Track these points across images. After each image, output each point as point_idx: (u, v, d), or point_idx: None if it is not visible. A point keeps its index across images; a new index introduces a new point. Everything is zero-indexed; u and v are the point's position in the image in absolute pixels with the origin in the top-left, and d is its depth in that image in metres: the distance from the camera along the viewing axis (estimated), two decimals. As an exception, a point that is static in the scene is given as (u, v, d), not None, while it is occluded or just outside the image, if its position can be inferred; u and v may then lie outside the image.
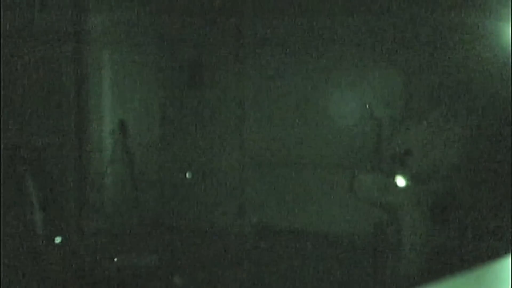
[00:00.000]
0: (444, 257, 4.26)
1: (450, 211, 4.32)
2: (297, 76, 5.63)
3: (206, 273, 4.68)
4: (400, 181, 4.30)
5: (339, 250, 5.17)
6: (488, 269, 1.47)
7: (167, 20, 6.18)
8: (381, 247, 4.48)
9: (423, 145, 4.32)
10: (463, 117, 4.46)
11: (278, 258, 5.11)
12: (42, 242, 4.45)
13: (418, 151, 4.33)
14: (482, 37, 4.55)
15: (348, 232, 5.23)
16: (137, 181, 5.66)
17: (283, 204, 5.75)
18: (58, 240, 4.64)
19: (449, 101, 4.61)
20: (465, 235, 4.36)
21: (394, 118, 4.62)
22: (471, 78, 4.66)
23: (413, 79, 4.50)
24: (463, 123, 4.38)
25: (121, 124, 5.55)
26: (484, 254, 3.92)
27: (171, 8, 6.13)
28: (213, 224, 5.99)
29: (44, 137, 5.04)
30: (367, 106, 5.23)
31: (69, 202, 5.23)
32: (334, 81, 5.41)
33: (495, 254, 1.56)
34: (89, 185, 5.46)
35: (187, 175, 6.19)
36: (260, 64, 5.86)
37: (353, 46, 5.30)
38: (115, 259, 4.83)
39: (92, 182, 5.49)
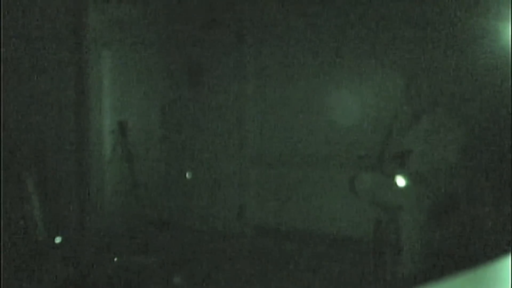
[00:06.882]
0: (444, 257, 4.26)
1: (450, 211, 4.32)
2: (298, 76, 5.63)
3: (206, 273, 4.68)
4: (400, 181, 4.29)
5: (339, 250, 5.17)
6: (488, 269, 1.46)
7: (167, 19, 6.18)
8: (381, 247, 4.47)
9: (423, 145, 4.32)
10: (463, 117, 4.46)
11: (278, 258, 5.12)
12: (42, 242, 4.45)
13: (418, 151, 4.33)
14: (482, 37, 4.54)
15: (348, 232, 5.23)
16: (137, 181, 5.66)
17: (283, 204, 5.75)
18: (58, 240, 4.64)
19: (449, 101, 4.61)
20: (465, 235, 4.36)
21: (394, 118, 4.62)
22: (471, 78, 4.66)
23: (413, 79, 4.49)
24: (463, 123, 4.38)
25: (121, 124, 5.55)
26: (484, 254, 3.91)
27: (171, 7, 6.13)
28: (213, 224, 5.99)
29: (44, 137, 5.04)
30: (367, 106, 5.23)
31: (69, 202, 5.23)
32: (335, 81, 5.41)
33: (495, 254, 1.55)
34: (89, 185, 5.46)
35: (187, 175, 6.19)
36: (260, 64, 5.86)
37: (353, 47, 5.30)
38: (115, 259, 4.83)
39: (92, 182, 5.49)
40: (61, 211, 5.01)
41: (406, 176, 4.29)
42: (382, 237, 4.46)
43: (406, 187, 4.28)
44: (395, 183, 4.31)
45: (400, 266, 4.16)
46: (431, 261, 4.12)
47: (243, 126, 5.98)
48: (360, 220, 5.07)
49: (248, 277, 4.62)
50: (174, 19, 6.16)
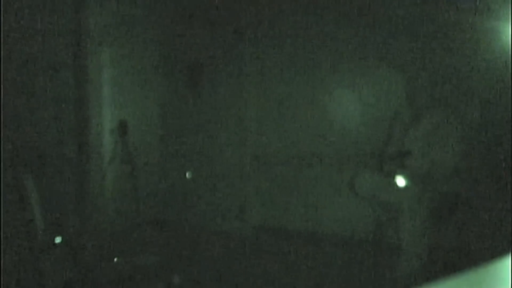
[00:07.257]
0: (444, 257, 4.26)
1: (450, 211, 4.33)
2: (298, 76, 5.63)
3: (206, 273, 4.68)
4: (400, 181, 4.29)
5: (339, 250, 5.17)
6: (488, 269, 1.46)
7: (167, 19, 6.18)
8: (381, 247, 4.48)
9: (423, 145, 4.32)
10: (463, 117, 4.46)
11: (278, 258, 5.11)
12: (42, 242, 4.45)
13: (418, 151, 4.33)
14: (482, 37, 4.55)
15: (348, 232, 5.23)
16: (137, 181, 5.66)
17: (283, 204, 5.75)
18: (58, 240, 4.64)
19: (449, 101, 4.61)
20: (465, 235, 4.36)
21: (394, 118, 4.62)
22: (471, 78, 4.66)
23: (413, 79, 4.50)
24: (463, 123, 4.38)
25: (121, 124, 5.55)
26: (484, 254, 3.91)
27: (171, 7, 6.13)
28: (213, 224, 5.99)
29: (44, 137, 5.04)
30: (368, 106, 5.23)
31: (69, 202, 5.23)
32: (335, 81, 5.41)
33: (495, 254, 1.55)
34: (89, 185, 5.46)
35: (187, 175, 6.19)
36: (260, 64, 5.86)
37: (353, 46, 5.30)
38: (115, 259, 4.83)
39: (92, 182, 5.49)
40: (61, 211, 5.01)
41: (406, 176, 4.29)
42: (382, 237, 4.47)
43: (406, 187, 4.28)
44: (395, 183, 4.31)
45: (400, 266, 4.16)
46: (431, 261, 4.12)
47: (244, 126, 5.98)
48: (360, 220, 5.08)
49: (248, 276, 4.62)
50: (174, 18, 6.16)
